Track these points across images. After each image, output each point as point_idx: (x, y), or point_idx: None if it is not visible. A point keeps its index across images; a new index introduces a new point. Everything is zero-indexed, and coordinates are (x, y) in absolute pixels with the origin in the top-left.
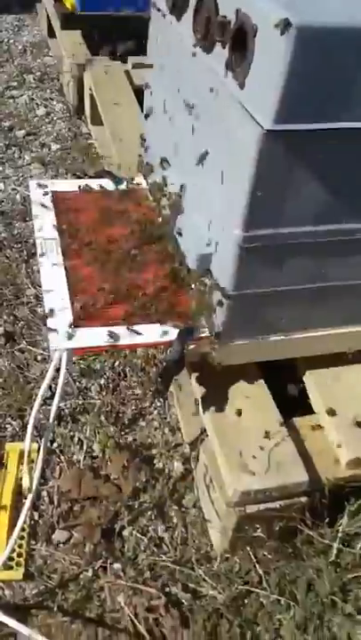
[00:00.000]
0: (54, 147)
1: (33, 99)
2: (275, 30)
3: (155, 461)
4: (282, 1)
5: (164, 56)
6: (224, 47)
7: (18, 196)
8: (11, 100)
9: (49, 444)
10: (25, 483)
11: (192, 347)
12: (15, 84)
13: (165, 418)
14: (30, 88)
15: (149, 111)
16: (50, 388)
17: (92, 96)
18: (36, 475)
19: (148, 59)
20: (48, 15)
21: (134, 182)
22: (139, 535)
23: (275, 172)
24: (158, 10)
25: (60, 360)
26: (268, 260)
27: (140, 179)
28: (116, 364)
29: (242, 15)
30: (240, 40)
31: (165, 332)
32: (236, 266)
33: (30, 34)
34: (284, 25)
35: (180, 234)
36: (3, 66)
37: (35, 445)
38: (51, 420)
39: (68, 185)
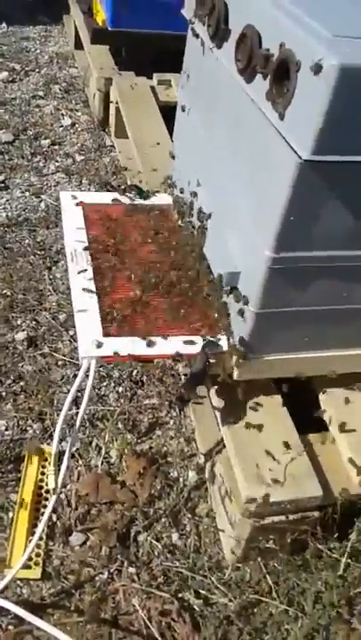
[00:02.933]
0: (78, 157)
1: (58, 109)
2: (318, 68)
3: (170, 470)
4: (325, 38)
5: (200, 80)
6: (265, 78)
7: (42, 204)
8: (37, 109)
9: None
10: (50, 484)
11: (215, 360)
12: (41, 93)
13: (181, 428)
14: (56, 98)
15: (181, 130)
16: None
17: (117, 109)
18: (60, 478)
19: (183, 80)
20: (76, 28)
21: (161, 197)
22: (153, 541)
23: (308, 198)
24: (197, 36)
25: (89, 368)
26: (295, 282)
27: (167, 194)
28: (134, 372)
29: (285, 50)
30: (282, 73)
31: (190, 344)
32: (263, 285)
33: (57, 44)
34: (327, 65)
35: (209, 251)
36: (29, 75)
37: (48, 448)
38: (77, 426)
39: (98, 197)
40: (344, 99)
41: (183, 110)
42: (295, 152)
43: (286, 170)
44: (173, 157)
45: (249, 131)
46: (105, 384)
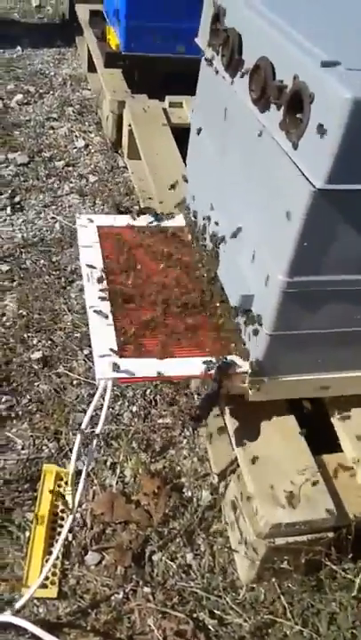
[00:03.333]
0: (92, 178)
1: (72, 131)
2: (331, 100)
3: (184, 490)
4: (338, 71)
5: (214, 106)
6: (279, 109)
7: (57, 225)
8: (51, 131)
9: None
10: (67, 503)
11: (228, 381)
12: (55, 115)
13: (194, 447)
14: (70, 120)
15: (195, 154)
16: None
17: (130, 132)
18: (77, 498)
19: (196, 106)
20: (89, 50)
21: (174, 220)
22: (168, 561)
23: (322, 225)
24: (211, 64)
25: (106, 389)
26: (309, 305)
27: (180, 217)
28: (148, 392)
29: (299, 82)
30: (295, 104)
31: (204, 365)
32: (277, 309)
33: (70, 67)
34: (340, 99)
35: (222, 274)
36: (44, 97)
37: (64, 469)
38: (93, 446)
39: (113, 220)
40: (356, 130)
41: (198, 134)
42: (309, 181)
43: (300, 198)
44: (187, 181)
45: (263, 158)
46: (119, 403)
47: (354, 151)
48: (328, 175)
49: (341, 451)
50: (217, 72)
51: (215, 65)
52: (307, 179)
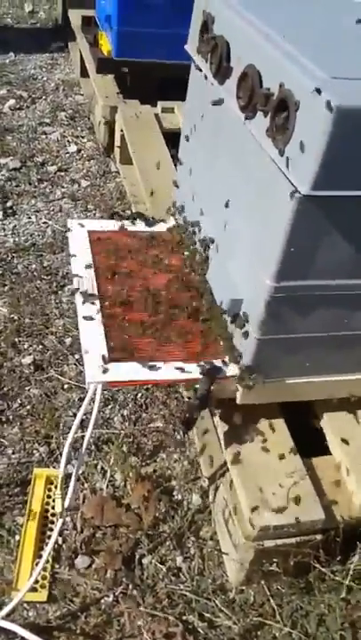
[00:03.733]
0: (84, 183)
1: (65, 136)
2: (316, 108)
3: (174, 493)
4: (323, 79)
5: (204, 112)
6: (266, 116)
7: (49, 230)
8: (43, 136)
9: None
10: (56, 507)
11: (218, 385)
12: (48, 120)
13: (185, 451)
14: (62, 125)
15: (185, 160)
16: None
17: (122, 137)
18: (67, 502)
19: (186, 111)
20: (82, 56)
21: (165, 224)
22: (158, 564)
23: (308, 231)
24: (200, 70)
25: (95, 393)
26: (297, 309)
27: (171, 222)
28: (139, 395)
29: (285, 90)
30: (281, 111)
31: (194, 369)
32: (265, 313)
33: (62, 72)
34: (324, 106)
35: (212, 278)
36: (36, 102)
37: (55, 472)
38: (83, 450)
39: (104, 225)
40: (341, 138)
41: (187, 140)
42: (295, 187)
43: (287, 204)
44: (177, 186)
45: (250, 164)
46: (110, 407)
47: (338, 158)
48: (313, 182)
49: (330, 453)
50: (206, 78)
51: (204, 71)
52: (293, 185)
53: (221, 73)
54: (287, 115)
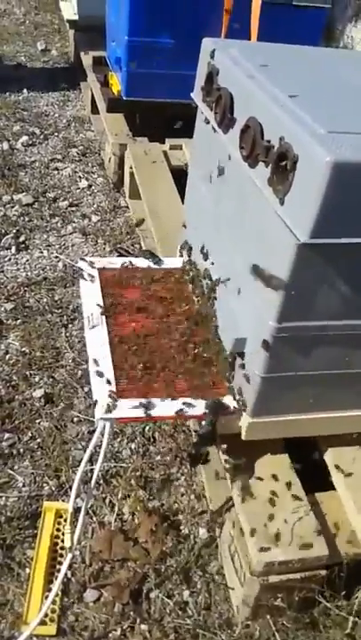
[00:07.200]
0: (94, 218)
1: (76, 171)
2: (313, 162)
3: (181, 527)
4: (320, 134)
5: (209, 156)
6: (267, 166)
7: (60, 264)
8: (55, 172)
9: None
10: (66, 541)
11: (222, 421)
12: (59, 156)
13: (192, 485)
14: (74, 161)
15: (191, 201)
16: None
17: (131, 173)
18: (76, 536)
19: (192, 157)
20: (93, 95)
21: (173, 262)
22: (165, 598)
23: (307, 276)
24: (206, 119)
25: (104, 429)
26: (299, 348)
27: (178, 260)
28: (147, 429)
29: (285, 144)
30: (282, 163)
31: (200, 405)
32: (268, 352)
33: (74, 109)
34: (321, 161)
35: (217, 317)
36: (48, 138)
37: (65, 505)
38: (92, 484)
39: (114, 262)
40: (337, 189)
41: (193, 183)
42: (295, 235)
43: (287, 251)
44: (185, 226)
45: (253, 210)
46: (118, 440)
47: (335, 208)
48: (312, 230)
49: (334, 488)
50: (210, 125)
51: (209, 120)
52: (292, 233)
53: (225, 123)
54: (287, 166)
